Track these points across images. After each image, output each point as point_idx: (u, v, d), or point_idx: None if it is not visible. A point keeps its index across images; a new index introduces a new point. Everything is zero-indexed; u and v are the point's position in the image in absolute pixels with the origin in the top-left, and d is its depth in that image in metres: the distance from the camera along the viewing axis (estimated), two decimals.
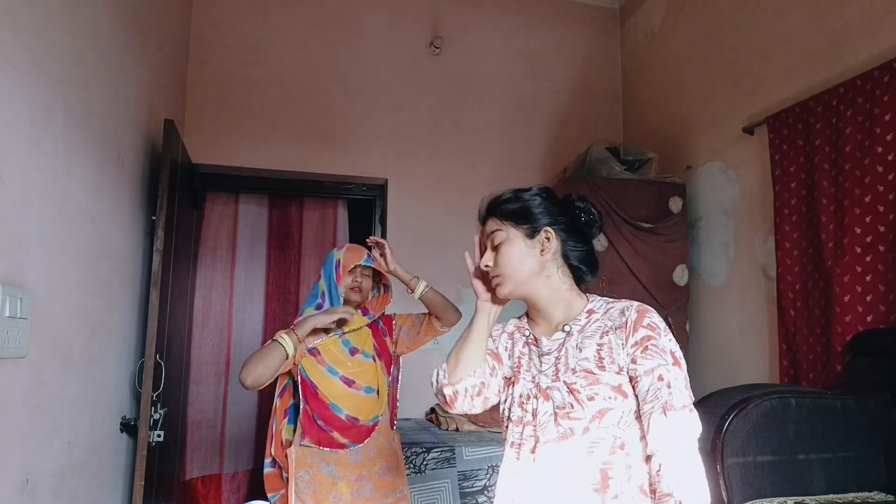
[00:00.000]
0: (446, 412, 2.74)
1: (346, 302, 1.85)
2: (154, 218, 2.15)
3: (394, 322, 1.96)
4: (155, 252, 2.09)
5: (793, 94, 2.37)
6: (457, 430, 2.63)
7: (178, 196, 2.35)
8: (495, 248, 1.21)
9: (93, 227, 1.71)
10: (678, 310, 2.80)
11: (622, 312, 1.11)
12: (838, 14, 2.19)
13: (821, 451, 1.35)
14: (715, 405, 1.66)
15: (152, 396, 2.02)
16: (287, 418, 1.86)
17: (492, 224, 1.23)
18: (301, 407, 1.78)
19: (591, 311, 1.17)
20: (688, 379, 1.08)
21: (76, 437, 1.62)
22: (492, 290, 1.26)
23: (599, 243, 2.76)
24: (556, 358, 1.15)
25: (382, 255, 1.87)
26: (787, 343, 2.28)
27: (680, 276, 2.81)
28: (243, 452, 3.50)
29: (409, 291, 1.88)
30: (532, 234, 1.19)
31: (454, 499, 2.18)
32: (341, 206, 3.73)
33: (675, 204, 2.85)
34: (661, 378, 1.04)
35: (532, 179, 3.41)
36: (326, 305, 1.82)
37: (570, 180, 2.89)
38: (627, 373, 1.07)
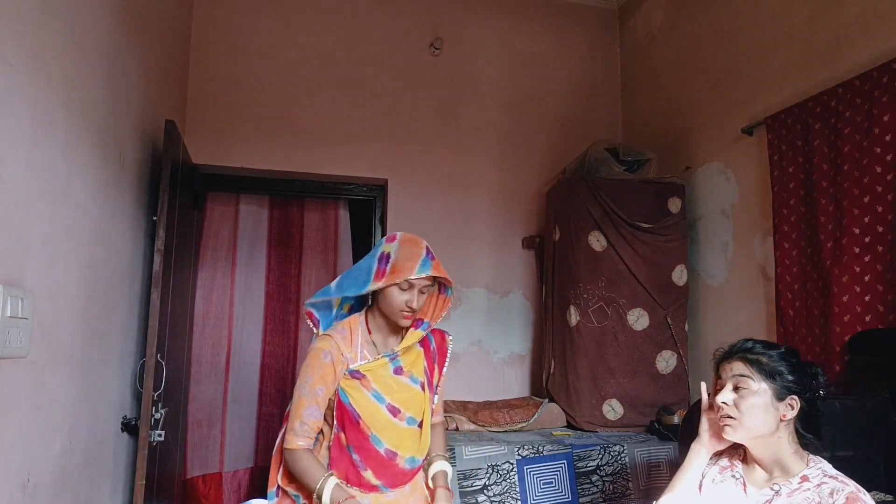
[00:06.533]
0: (447, 411, 2.74)
1: (389, 325, 1.51)
2: (155, 218, 2.16)
3: (445, 365, 1.63)
4: (156, 252, 2.10)
5: (792, 94, 2.37)
6: (457, 429, 2.63)
7: (178, 196, 2.36)
8: (736, 390, 1.26)
9: (94, 227, 1.72)
10: (677, 310, 2.80)
11: (831, 494, 1.16)
12: (838, 14, 2.20)
13: (820, 451, 1.36)
14: None
15: (153, 396, 2.02)
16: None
17: (741, 367, 1.27)
18: (333, 434, 1.48)
19: (805, 478, 1.22)
20: None
21: (77, 437, 1.63)
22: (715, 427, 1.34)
23: (598, 243, 2.76)
24: None
25: None
26: (786, 343, 2.28)
27: (679, 276, 2.82)
28: (244, 451, 3.51)
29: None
30: (780, 395, 1.24)
31: (454, 498, 2.19)
32: (342, 206, 3.74)
33: (674, 204, 2.86)
34: None
35: (532, 180, 3.42)
36: (333, 283, 1.51)
37: (570, 181, 2.89)
38: None
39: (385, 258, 1.47)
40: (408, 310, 1.46)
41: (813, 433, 1.27)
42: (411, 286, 1.45)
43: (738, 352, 1.30)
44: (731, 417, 1.26)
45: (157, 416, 2.09)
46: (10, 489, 1.25)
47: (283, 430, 1.53)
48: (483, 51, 3.46)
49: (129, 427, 2.07)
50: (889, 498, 1.60)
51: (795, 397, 1.24)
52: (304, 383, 1.47)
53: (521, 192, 3.42)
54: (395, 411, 1.48)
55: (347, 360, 1.47)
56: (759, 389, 1.24)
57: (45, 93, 1.35)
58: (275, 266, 3.68)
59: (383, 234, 3.27)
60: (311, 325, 1.59)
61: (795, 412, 1.24)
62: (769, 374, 1.24)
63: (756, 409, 1.23)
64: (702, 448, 1.37)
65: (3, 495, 1.21)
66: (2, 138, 1.16)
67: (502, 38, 3.51)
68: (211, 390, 3.45)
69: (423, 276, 1.44)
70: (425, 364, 1.57)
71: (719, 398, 1.28)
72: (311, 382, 1.46)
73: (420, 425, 1.53)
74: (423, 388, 1.54)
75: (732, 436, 1.27)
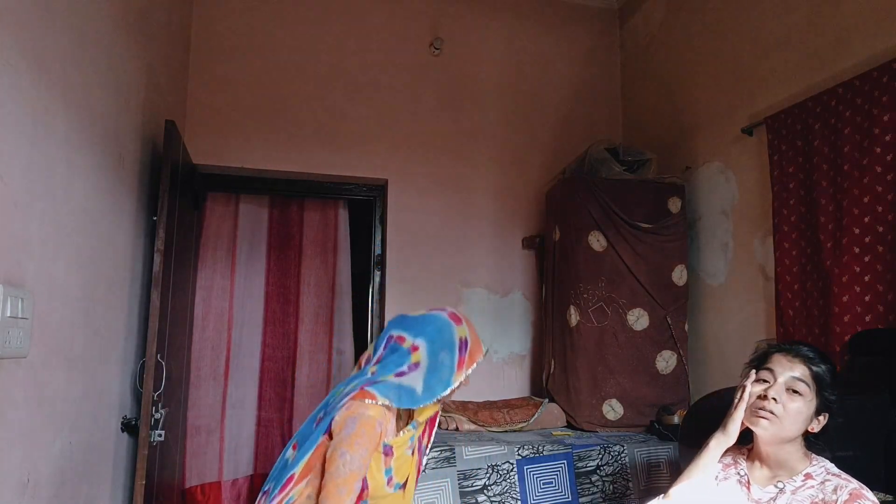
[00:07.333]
0: (446, 411, 2.74)
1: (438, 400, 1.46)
2: (155, 218, 2.16)
3: (435, 428, 1.61)
4: (156, 252, 2.10)
5: (792, 94, 2.37)
6: (457, 429, 2.63)
7: (178, 196, 2.36)
8: (787, 391, 1.27)
9: (94, 227, 1.72)
10: (677, 310, 2.80)
11: (835, 490, 1.18)
12: (837, 14, 2.20)
13: (819, 450, 1.37)
14: (714, 405, 1.67)
15: (153, 396, 2.02)
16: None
17: (806, 372, 1.27)
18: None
19: (808, 476, 1.24)
20: None
21: (77, 437, 1.63)
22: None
23: (598, 243, 2.76)
24: None
25: None
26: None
27: (679, 276, 2.82)
28: (243, 458, 3.47)
29: None
30: (819, 411, 1.27)
31: (454, 498, 2.19)
32: (342, 206, 3.73)
33: (674, 204, 2.86)
34: None
35: (532, 180, 3.42)
36: (416, 381, 1.39)
37: (570, 181, 2.89)
38: None
39: (464, 344, 1.44)
40: (463, 385, 1.46)
41: (824, 439, 1.31)
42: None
43: (803, 356, 1.29)
44: (774, 415, 1.25)
45: (158, 416, 2.09)
46: (10, 489, 1.25)
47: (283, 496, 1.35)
48: (483, 51, 3.47)
49: (129, 427, 2.07)
50: (889, 498, 1.60)
51: (827, 415, 1.27)
52: (358, 456, 1.32)
53: (521, 192, 3.42)
54: (389, 480, 1.44)
55: (387, 433, 1.40)
56: (810, 399, 1.25)
57: (45, 93, 1.35)
58: (274, 267, 3.67)
59: (383, 234, 3.27)
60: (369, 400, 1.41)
61: (820, 428, 1.28)
62: (821, 389, 1.26)
63: (800, 416, 1.25)
64: (728, 444, 1.34)
65: (3, 495, 1.21)
66: (2, 138, 1.16)
67: (502, 38, 3.51)
68: (210, 395, 3.41)
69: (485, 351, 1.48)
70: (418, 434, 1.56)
71: (773, 392, 1.26)
72: (364, 456, 1.33)
73: (403, 487, 1.48)
74: (413, 453, 1.51)
75: (764, 426, 1.26)
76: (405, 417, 1.50)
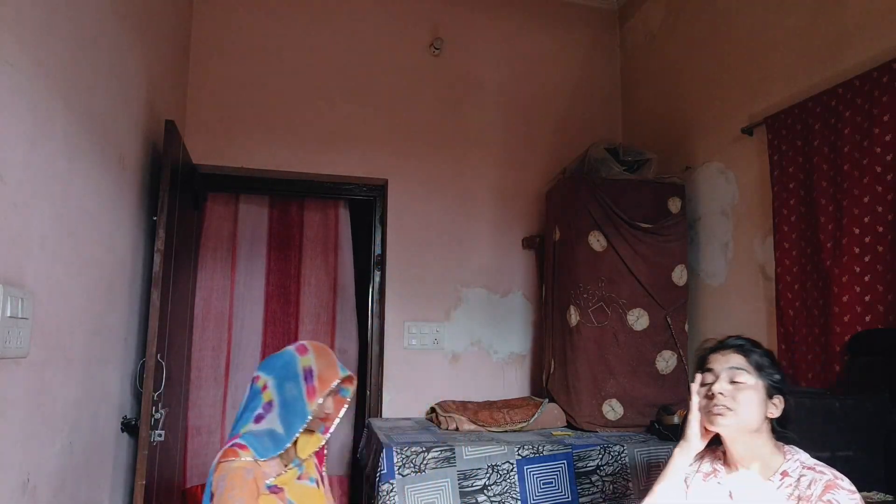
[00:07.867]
0: (447, 411, 2.74)
1: (306, 431, 1.47)
2: (155, 218, 2.16)
3: (325, 454, 1.64)
4: (156, 252, 2.10)
5: (792, 94, 2.37)
6: (457, 429, 2.63)
7: (178, 196, 2.36)
8: (731, 383, 1.30)
9: (94, 227, 1.72)
10: (677, 310, 2.80)
11: (809, 485, 1.19)
12: (838, 14, 2.20)
13: (820, 450, 1.37)
14: None
15: (153, 396, 2.02)
16: None
17: (739, 360, 1.31)
18: None
19: (785, 473, 1.25)
20: None
21: (77, 437, 1.63)
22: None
23: (598, 243, 2.76)
24: None
25: None
26: (786, 343, 2.28)
27: (679, 276, 2.82)
28: None
29: None
30: (770, 393, 1.29)
31: (454, 498, 2.19)
32: (342, 206, 3.74)
33: (674, 204, 2.86)
34: None
35: (532, 180, 3.42)
36: (274, 422, 1.41)
37: (570, 181, 2.89)
38: None
39: (309, 373, 1.46)
40: (328, 413, 1.50)
41: (788, 425, 1.32)
42: (330, 393, 1.47)
43: (733, 346, 1.34)
44: (727, 408, 1.28)
45: (158, 416, 2.09)
46: (10, 489, 1.25)
47: None
48: (483, 51, 3.47)
49: (129, 427, 2.07)
50: (889, 498, 1.60)
51: (781, 397, 1.29)
52: None
53: (521, 192, 3.42)
54: None
55: (265, 475, 1.40)
56: (756, 384, 1.28)
57: (45, 93, 1.35)
58: (274, 267, 3.67)
59: (383, 234, 3.27)
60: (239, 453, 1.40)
61: (779, 412, 1.29)
62: (761, 371, 1.29)
63: (752, 403, 1.27)
64: (691, 451, 1.37)
65: (3, 495, 1.21)
66: (2, 138, 1.16)
67: (502, 38, 3.51)
68: (210, 395, 3.42)
69: (346, 376, 1.50)
70: (315, 461, 1.59)
71: (717, 387, 1.30)
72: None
73: None
74: (317, 485, 1.53)
75: (722, 423, 1.28)
76: (286, 455, 1.49)
